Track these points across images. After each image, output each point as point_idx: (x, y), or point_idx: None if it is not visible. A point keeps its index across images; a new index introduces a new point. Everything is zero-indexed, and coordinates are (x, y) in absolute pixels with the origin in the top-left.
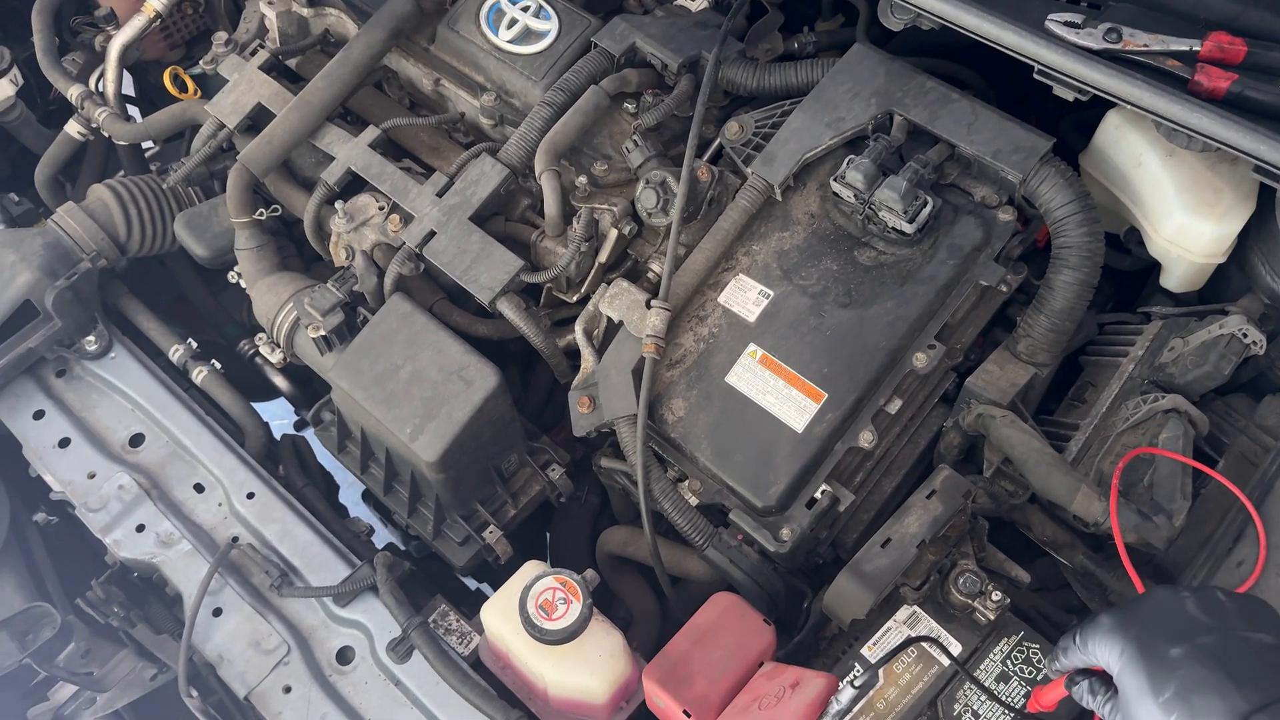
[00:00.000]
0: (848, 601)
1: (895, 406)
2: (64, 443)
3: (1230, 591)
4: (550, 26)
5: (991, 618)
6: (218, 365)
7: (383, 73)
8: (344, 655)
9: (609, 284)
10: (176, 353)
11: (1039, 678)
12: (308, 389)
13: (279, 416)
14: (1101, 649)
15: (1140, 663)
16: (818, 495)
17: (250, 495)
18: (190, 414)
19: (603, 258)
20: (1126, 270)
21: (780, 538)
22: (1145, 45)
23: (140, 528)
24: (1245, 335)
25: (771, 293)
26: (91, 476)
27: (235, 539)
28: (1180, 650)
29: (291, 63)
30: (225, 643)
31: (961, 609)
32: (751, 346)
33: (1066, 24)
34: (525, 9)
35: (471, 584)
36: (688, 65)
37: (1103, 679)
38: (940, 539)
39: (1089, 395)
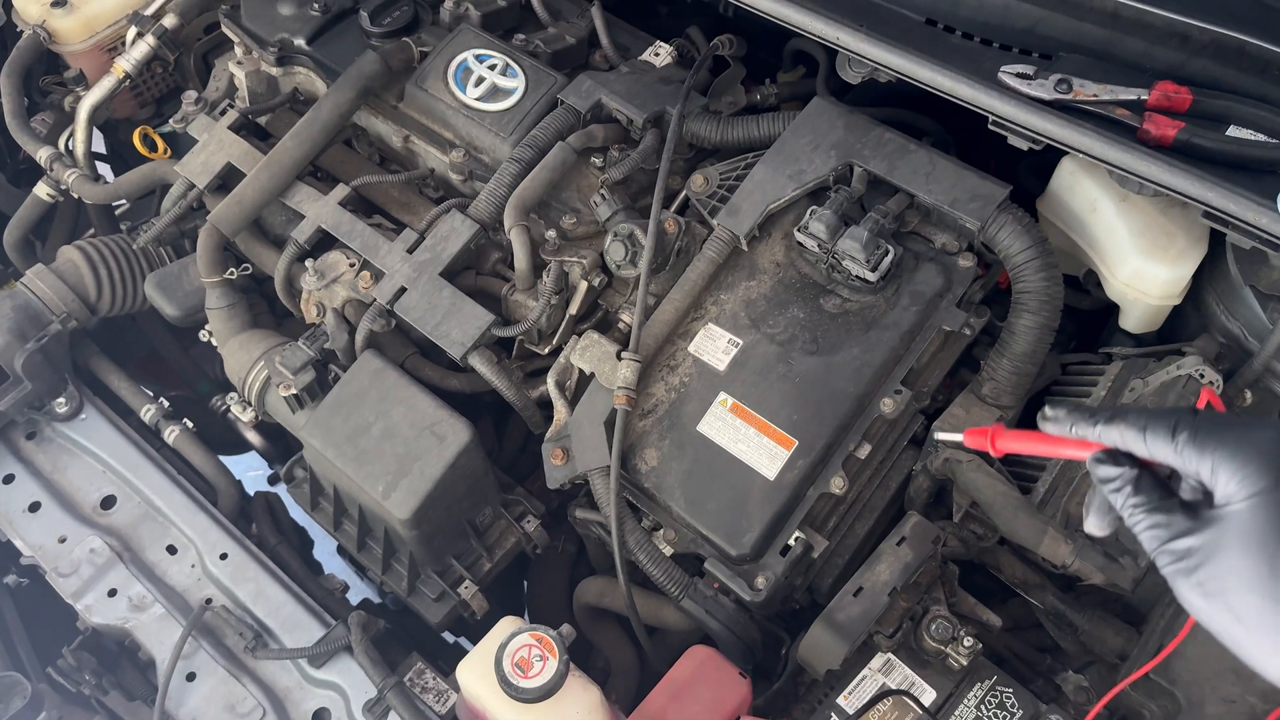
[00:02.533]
0: (822, 652)
1: (865, 451)
2: (34, 507)
3: None
4: (517, 84)
5: (964, 663)
6: (190, 424)
7: (352, 130)
8: (320, 717)
9: (580, 336)
10: (148, 412)
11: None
12: (281, 443)
13: (255, 467)
14: (1237, 464)
15: None
16: (791, 542)
17: (223, 556)
18: (162, 474)
19: (573, 309)
20: (1087, 309)
21: (755, 586)
22: (1095, 95)
23: (112, 592)
24: (1202, 376)
25: (740, 341)
26: (62, 540)
27: (209, 601)
28: None
29: (262, 120)
30: (200, 707)
31: (935, 655)
32: (722, 395)
33: (1019, 75)
34: (492, 67)
35: (450, 636)
36: (652, 120)
37: (1157, 483)
38: (912, 586)
39: None
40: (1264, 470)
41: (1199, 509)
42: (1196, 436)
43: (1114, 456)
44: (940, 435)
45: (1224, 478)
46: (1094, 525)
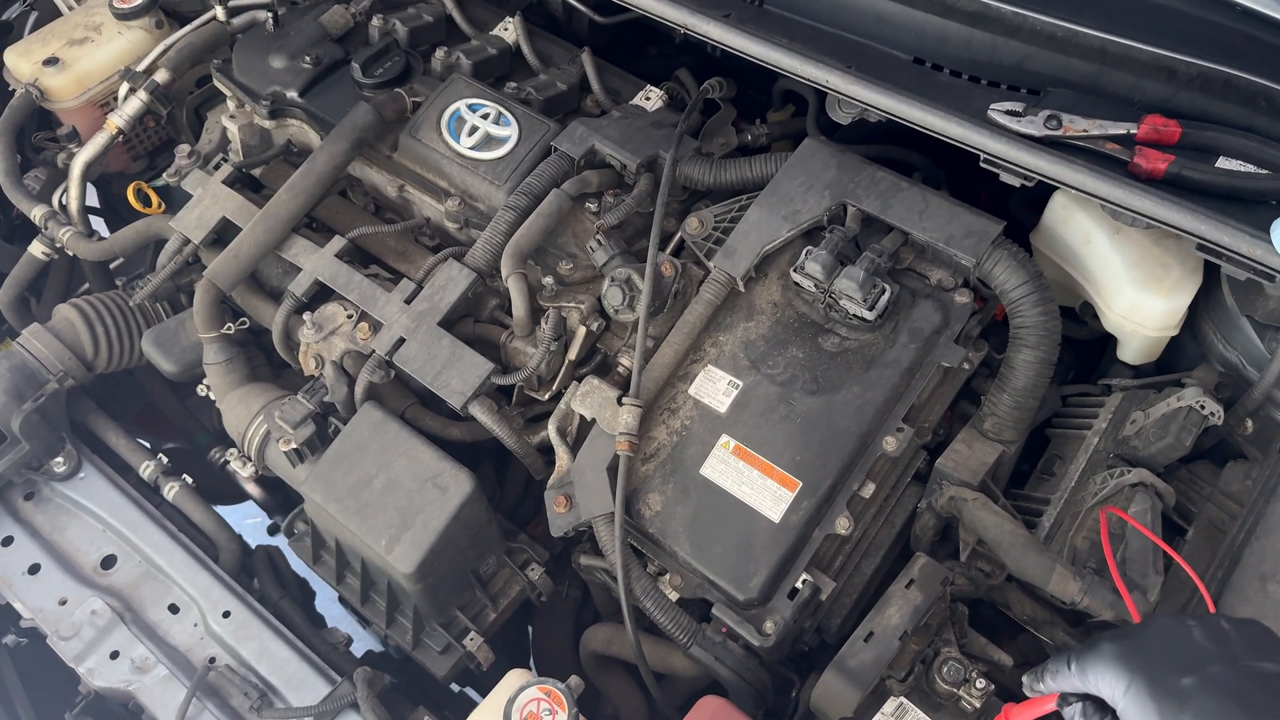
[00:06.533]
0: (835, 699)
1: (869, 490)
2: (34, 569)
3: (1231, 618)
4: (510, 132)
5: (978, 705)
6: (189, 480)
7: (347, 181)
8: None
9: (580, 381)
10: (147, 469)
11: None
12: (280, 494)
13: (253, 515)
14: (1104, 678)
15: (1150, 693)
16: (799, 585)
17: (226, 614)
18: (163, 532)
19: (572, 355)
20: (1084, 340)
21: (764, 631)
22: (1084, 130)
23: (114, 654)
24: (1203, 407)
25: (740, 383)
26: (63, 603)
27: (213, 660)
28: (1191, 680)
29: (256, 172)
30: None
31: (947, 697)
32: (724, 437)
33: (1008, 113)
34: (485, 116)
35: (456, 686)
36: (646, 165)
37: (1097, 705)
38: (922, 628)
39: (1057, 468)
40: (1119, 673)
41: None
42: (1081, 663)
43: (1065, 697)
44: None
45: (1104, 689)
46: None
